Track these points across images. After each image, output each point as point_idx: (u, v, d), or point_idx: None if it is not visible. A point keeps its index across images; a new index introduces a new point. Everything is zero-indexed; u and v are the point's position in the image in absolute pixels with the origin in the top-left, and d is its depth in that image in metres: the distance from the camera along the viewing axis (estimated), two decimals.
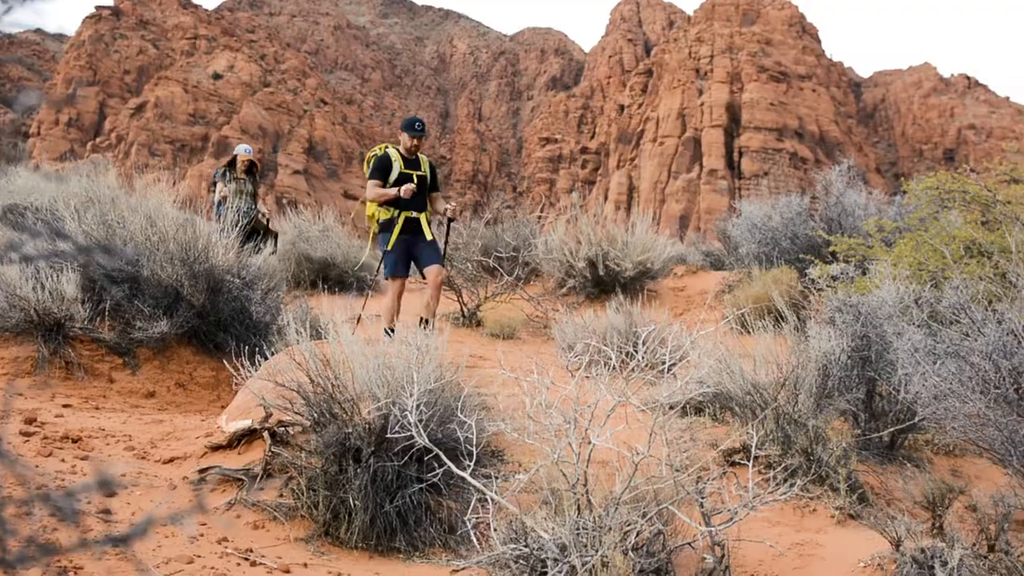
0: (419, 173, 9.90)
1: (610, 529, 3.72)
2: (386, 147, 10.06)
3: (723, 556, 4.15)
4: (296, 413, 5.66)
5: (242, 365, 5.99)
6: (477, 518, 4.34)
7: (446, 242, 10.61)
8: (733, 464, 6.34)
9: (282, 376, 5.66)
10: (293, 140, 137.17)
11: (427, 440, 4.56)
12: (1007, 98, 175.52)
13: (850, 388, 7.98)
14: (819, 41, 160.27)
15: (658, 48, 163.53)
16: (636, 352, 4.24)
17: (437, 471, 4.91)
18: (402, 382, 5.19)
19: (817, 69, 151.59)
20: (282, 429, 5.76)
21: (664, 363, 4.21)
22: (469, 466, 4.34)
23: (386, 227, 9.75)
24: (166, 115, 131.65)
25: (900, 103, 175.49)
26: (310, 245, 16.36)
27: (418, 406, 4.82)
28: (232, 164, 14.85)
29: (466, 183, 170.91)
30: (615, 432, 4.12)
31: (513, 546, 4.04)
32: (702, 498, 3.94)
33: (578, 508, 3.96)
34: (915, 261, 10.28)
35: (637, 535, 3.94)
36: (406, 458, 5.26)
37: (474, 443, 4.42)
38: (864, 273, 10.89)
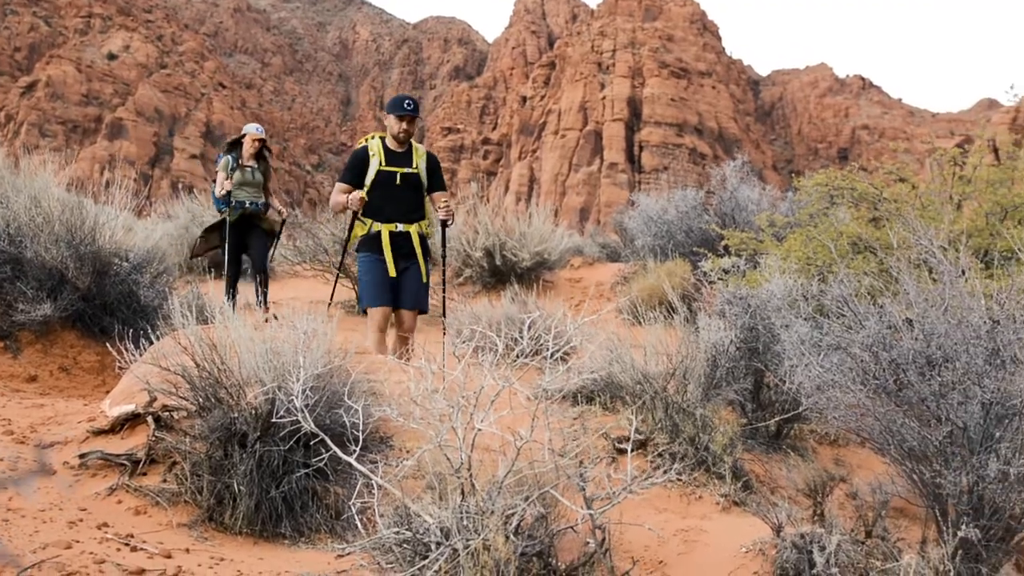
0: (407, 170, 8.01)
1: (492, 513, 3.74)
2: (370, 138, 8.26)
3: (604, 539, 4.19)
4: (181, 398, 5.56)
5: (126, 349, 5.88)
6: (362, 503, 4.32)
7: (443, 255, 9.87)
8: (621, 452, 6.40)
9: (167, 360, 5.56)
10: (190, 124, 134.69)
11: (313, 425, 4.53)
12: (900, 99, 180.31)
13: (738, 378, 8.12)
14: (719, 39, 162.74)
15: (561, 41, 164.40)
16: (522, 339, 4.26)
17: (323, 456, 4.87)
18: (289, 367, 5.14)
19: (717, 66, 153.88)
20: (167, 414, 5.65)
21: (549, 350, 4.23)
22: (355, 451, 4.31)
23: (365, 246, 8.04)
24: (58, 95, 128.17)
25: (797, 102, 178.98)
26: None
27: (304, 391, 4.78)
28: (236, 145, 12.27)
29: None
30: (500, 418, 4.14)
31: (397, 530, 4.03)
32: (583, 482, 3.98)
33: (462, 492, 3.97)
34: (804, 256, 10.50)
35: (520, 519, 3.96)
36: (292, 443, 5.22)
37: (361, 428, 4.39)
38: (755, 267, 11.08)
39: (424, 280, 8.18)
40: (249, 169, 12.03)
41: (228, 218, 11.77)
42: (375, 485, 4.23)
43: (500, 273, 15.56)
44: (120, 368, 6.41)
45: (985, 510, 6.09)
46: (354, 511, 4.31)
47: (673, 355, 7.74)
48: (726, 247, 12.91)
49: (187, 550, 4.64)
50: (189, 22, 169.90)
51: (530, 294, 12.77)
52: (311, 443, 5.13)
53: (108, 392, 7.28)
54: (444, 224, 8.15)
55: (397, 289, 8.03)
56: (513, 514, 3.75)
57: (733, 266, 10.74)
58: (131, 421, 5.84)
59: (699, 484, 6.90)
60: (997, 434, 6.10)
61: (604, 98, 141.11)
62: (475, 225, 15.86)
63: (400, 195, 8.02)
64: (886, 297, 7.08)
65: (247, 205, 11.87)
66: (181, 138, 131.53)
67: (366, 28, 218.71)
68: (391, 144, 8.09)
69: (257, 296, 11.89)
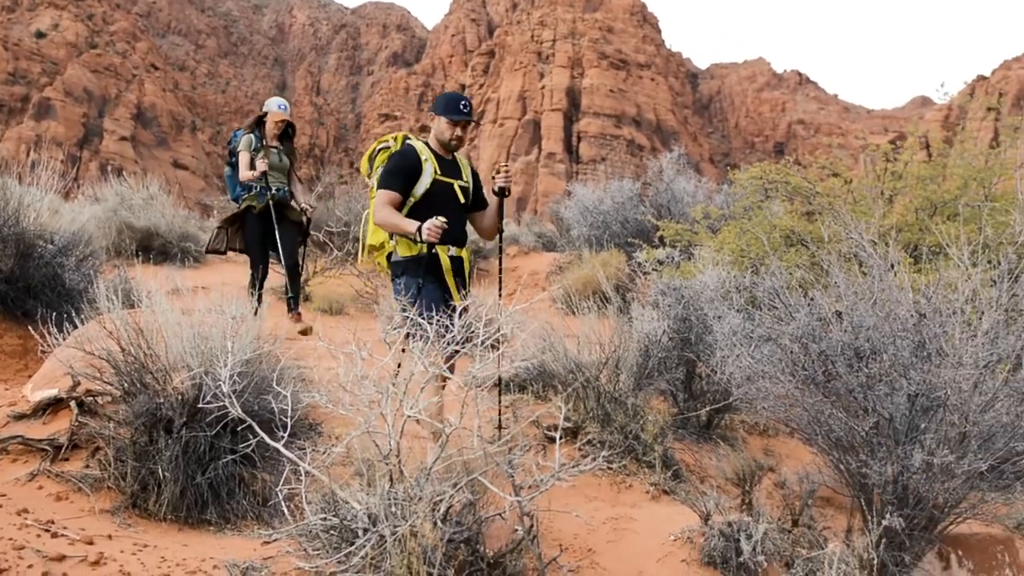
0: (461, 183, 6.63)
1: (420, 499, 3.72)
2: (405, 137, 6.73)
3: (532, 526, 4.19)
4: (105, 383, 5.47)
5: (50, 333, 5.76)
6: (290, 490, 4.28)
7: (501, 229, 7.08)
8: (552, 440, 6.40)
9: (92, 345, 5.46)
10: (121, 105, 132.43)
11: (240, 411, 4.47)
12: (836, 95, 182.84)
13: (670, 369, 8.18)
14: (659, 31, 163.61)
15: (501, 30, 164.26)
16: (453, 327, 4.24)
17: (251, 442, 4.82)
18: (217, 352, 5.07)
19: (656, 59, 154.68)
20: (90, 399, 5.56)
21: (480, 338, 4.22)
22: (283, 437, 4.26)
23: (408, 269, 6.46)
24: None
25: (735, 96, 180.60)
26: (133, 213, 15.74)
27: (232, 377, 4.71)
28: (259, 125, 10.65)
29: (302, 157, 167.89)
30: (429, 404, 4.12)
31: (324, 517, 4.00)
32: (512, 469, 3.98)
33: (390, 479, 3.95)
34: (737, 248, 10.59)
35: (448, 506, 3.94)
36: (219, 429, 5.15)
37: (289, 415, 4.34)
38: (689, 258, 11.16)
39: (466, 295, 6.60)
40: (275, 151, 10.53)
41: (254, 205, 10.25)
42: (303, 472, 4.18)
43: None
44: (43, 352, 6.28)
45: (909, 500, 6.19)
46: (281, 497, 4.26)
47: (606, 345, 7.76)
48: (661, 238, 12.99)
49: (110, 536, 4.56)
50: (121, 1, 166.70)
51: (471, 284, 12.73)
52: (238, 429, 5.07)
53: (30, 376, 7.14)
54: (502, 193, 6.77)
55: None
56: (441, 501, 3.73)
57: (667, 257, 10.81)
58: (53, 406, 5.74)
59: (629, 473, 6.93)
60: (922, 425, 6.20)
61: (543, 88, 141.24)
62: None
63: (456, 212, 6.52)
64: (817, 290, 7.16)
65: (274, 191, 10.34)
66: (111, 120, 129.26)
67: (303, 12, 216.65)
68: (437, 150, 6.62)
69: (287, 297, 10.63)
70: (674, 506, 6.44)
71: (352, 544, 3.83)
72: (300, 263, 10.95)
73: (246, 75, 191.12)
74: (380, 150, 6.77)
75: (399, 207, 6.40)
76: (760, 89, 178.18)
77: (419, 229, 6.06)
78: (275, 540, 4.49)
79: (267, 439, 4.39)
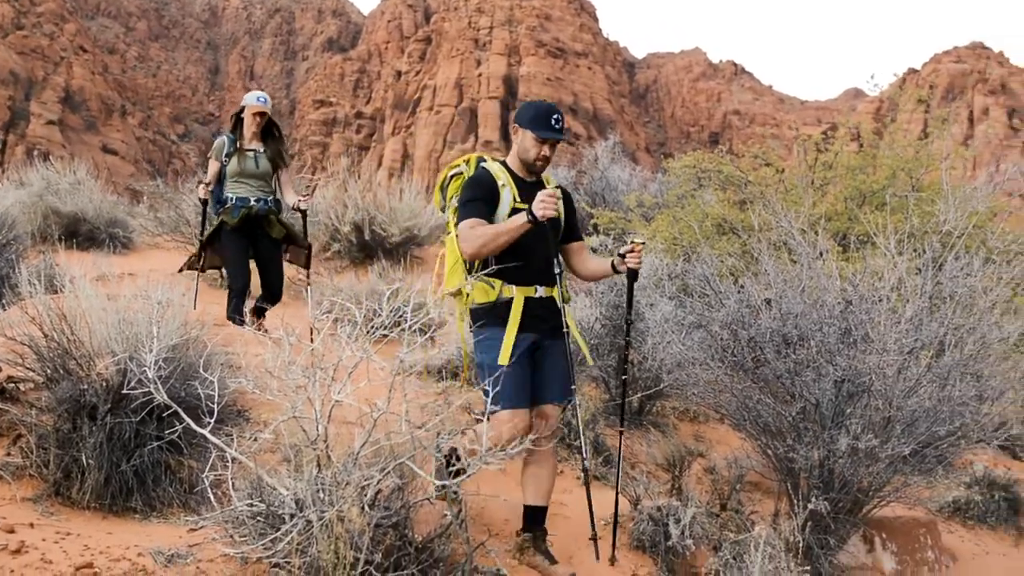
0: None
1: (348, 484, 3.70)
2: (479, 159, 5.68)
3: (460, 511, 4.20)
4: (27, 369, 5.37)
5: None
6: (216, 476, 4.24)
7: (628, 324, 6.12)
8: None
9: (13, 330, 5.37)
10: (48, 88, 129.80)
11: (166, 397, 4.41)
12: (770, 86, 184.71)
13: (602, 355, 8.22)
14: (596, 20, 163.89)
15: (438, 16, 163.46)
16: (382, 312, 4.23)
17: (177, 429, 4.76)
18: (142, 338, 5.01)
19: (593, 47, 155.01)
20: (12, 385, 5.46)
21: (408, 323, 4.21)
22: (210, 423, 4.22)
23: (489, 316, 5.33)
24: None
25: (671, 85, 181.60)
26: (59, 198, 15.44)
27: (158, 362, 4.65)
28: (236, 124, 9.21)
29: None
30: (358, 390, 4.11)
31: (250, 503, 3.97)
32: (440, 454, 3.98)
33: (318, 464, 3.93)
34: (670, 236, 10.67)
35: (377, 491, 3.93)
36: (145, 416, 5.09)
37: (216, 400, 4.30)
38: (623, 246, 11.20)
39: (571, 341, 5.54)
40: (251, 155, 8.96)
41: (226, 220, 8.85)
42: (229, 458, 4.15)
43: (368, 248, 15.43)
44: None
45: (835, 484, 6.29)
46: (207, 484, 4.22)
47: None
48: (595, 226, 13.05)
49: (31, 525, 4.49)
50: None
51: (398, 269, 12.73)
52: (164, 415, 5.00)
53: None
54: (632, 276, 5.68)
55: (533, 377, 5.38)
56: (368, 486, 3.72)
57: (601, 245, 10.86)
58: None
59: (561, 459, 6.97)
60: (848, 410, 6.31)
61: (480, 75, 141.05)
62: (344, 200, 15.70)
63: (540, 245, 5.35)
64: (747, 277, 7.24)
65: (252, 203, 8.87)
66: (38, 103, 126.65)
67: None
68: (517, 171, 5.53)
69: (257, 304, 9.13)
70: (604, 491, 6.48)
71: (278, 530, 3.80)
72: (281, 292, 9.34)
73: (178, 59, 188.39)
74: (452, 177, 5.67)
75: None
76: (696, 79, 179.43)
77: (530, 212, 5.06)
78: (201, 527, 4.45)
79: (193, 425, 4.35)
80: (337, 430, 4.24)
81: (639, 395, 8.22)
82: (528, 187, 5.45)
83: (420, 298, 4.41)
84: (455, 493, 4.27)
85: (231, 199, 8.86)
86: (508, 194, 5.38)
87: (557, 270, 5.43)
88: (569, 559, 5.50)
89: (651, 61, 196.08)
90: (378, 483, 3.77)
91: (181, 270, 9.55)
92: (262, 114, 9.04)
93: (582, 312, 8.13)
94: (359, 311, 4.26)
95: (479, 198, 5.33)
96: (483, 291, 5.33)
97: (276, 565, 3.90)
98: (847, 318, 6.52)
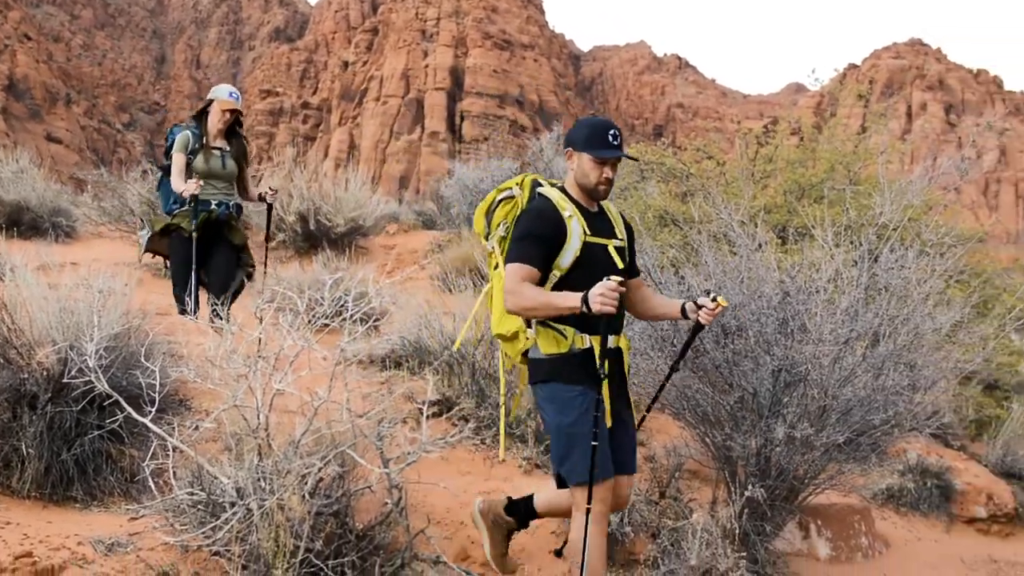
0: (616, 242, 4.78)
1: (289, 473, 3.74)
2: (534, 183, 4.79)
3: (400, 499, 4.25)
4: None
5: None
6: (157, 465, 4.25)
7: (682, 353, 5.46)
8: (428, 416, 6.45)
9: None
10: None
11: (107, 386, 4.41)
12: (713, 80, 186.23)
13: None
14: (543, 12, 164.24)
15: (385, 7, 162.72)
16: (324, 301, 4.26)
17: (118, 417, 4.76)
18: (83, 326, 4.99)
19: (540, 40, 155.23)
20: None
21: (350, 312, 4.24)
22: (151, 412, 4.23)
23: (558, 370, 4.54)
24: None
25: (616, 78, 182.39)
26: (2, 187, 15.20)
27: (99, 351, 4.65)
28: (201, 117, 8.30)
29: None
30: (299, 379, 4.14)
31: (191, 491, 3.99)
32: (380, 442, 4.02)
33: (259, 453, 3.95)
34: None
35: (319, 480, 3.97)
36: (86, 405, 5.07)
37: (157, 390, 4.31)
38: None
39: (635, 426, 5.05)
40: (218, 153, 8.18)
41: (183, 227, 8.11)
42: (171, 447, 4.16)
43: (313, 238, 15.41)
44: None
45: (771, 471, 6.40)
46: (148, 473, 4.23)
47: (482, 322, 7.84)
48: None
49: None
50: None
51: (343, 259, 12.73)
52: (105, 405, 4.99)
53: None
54: (699, 329, 4.99)
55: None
56: (309, 474, 3.76)
57: None
58: None
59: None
60: (784, 399, 6.42)
61: (427, 66, 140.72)
62: (290, 189, 15.65)
63: None
64: (688, 268, 7.34)
65: (213, 207, 8.11)
66: None
67: None
68: (578, 199, 4.73)
69: (214, 308, 7.36)
70: (545, 479, 6.54)
71: (219, 518, 3.83)
72: (231, 291, 8.37)
73: (124, 47, 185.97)
74: (501, 201, 4.84)
75: (539, 287, 4.53)
76: (641, 72, 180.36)
77: (585, 299, 4.18)
78: (142, 516, 4.46)
79: (134, 414, 4.35)
80: (279, 419, 4.27)
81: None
82: (594, 217, 4.71)
83: (362, 287, 4.44)
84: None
85: (191, 201, 7.94)
86: (577, 226, 4.55)
87: (623, 320, 4.81)
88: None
89: (596, 54, 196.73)
90: (319, 471, 3.81)
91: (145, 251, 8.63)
92: (233, 111, 8.20)
93: None
94: (301, 301, 4.29)
95: (539, 235, 4.51)
96: (552, 340, 4.55)
97: (216, 553, 3.93)
98: (785, 309, 6.64)
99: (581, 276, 4.47)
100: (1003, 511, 9.47)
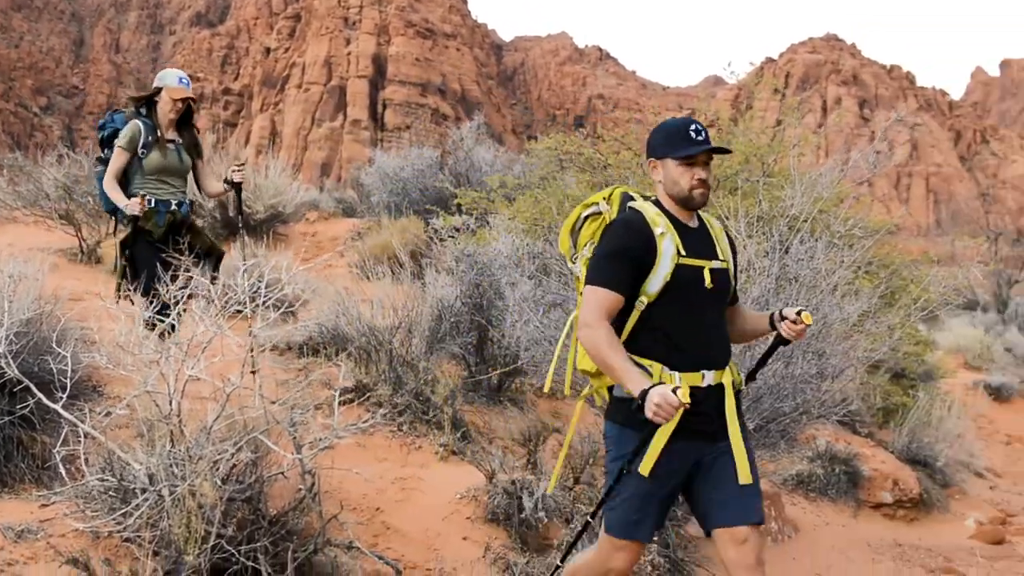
0: (716, 263, 4.13)
1: (201, 459, 3.74)
2: (624, 196, 4.22)
3: (313, 484, 4.27)
4: None
5: None
6: (69, 452, 4.22)
7: None
8: (342, 402, 6.46)
9: None
10: None
11: (17, 372, 4.37)
12: (634, 72, 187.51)
13: (463, 333, 8.33)
14: (465, 2, 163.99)
15: None
16: (238, 288, 4.26)
17: (28, 403, 4.71)
18: None
19: (462, 29, 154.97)
20: None
21: (262, 299, 4.25)
22: (62, 398, 4.20)
23: (631, 418, 3.84)
24: None
25: (538, 69, 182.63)
26: None
27: (9, 337, 4.60)
28: (149, 105, 7.27)
29: (100, 116, 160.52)
30: (211, 364, 4.14)
31: (102, 477, 3.97)
32: (293, 428, 4.04)
33: (171, 439, 3.95)
34: (531, 217, 10.82)
35: (233, 466, 3.98)
36: None
37: (69, 376, 4.28)
38: (485, 226, 11.34)
39: (739, 445, 4.07)
40: (172, 148, 7.25)
41: (149, 230, 7.11)
42: (82, 433, 4.14)
43: (232, 225, 15.27)
44: None
45: None
46: (59, 459, 4.21)
47: (400, 309, 7.86)
48: (459, 206, 13.15)
49: None
50: None
51: (261, 246, 12.64)
52: (16, 391, 4.94)
53: None
54: (781, 343, 4.23)
55: (699, 496, 4.08)
56: (221, 460, 3.77)
57: (464, 224, 10.96)
58: None
59: (420, 434, 7.07)
60: None
61: (349, 54, 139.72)
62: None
63: (710, 313, 4.15)
64: None
65: (174, 207, 7.23)
66: None
67: None
68: (675, 213, 4.12)
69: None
70: (462, 466, 6.61)
71: (130, 504, 3.82)
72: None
73: (41, 30, 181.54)
74: (587, 218, 4.28)
75: (623, 315, 4.04)
76: (562, 63, 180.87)
77: (643, 396, 3.63)
78: (53, 502, 4.42)
79: (45, 400, 4.32)
80: (191, 405, 4.26)
81: (498, 372, 8.35)
82: (691, 233, 4.11)
83: (275, 274, 4.44)
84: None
85: (149, 202, 7.07)
86: (669, 246, 3.97)
87: (727, 352, 4.20)
88: (425, 532, 5.61)
89: (518, 44, 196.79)
90: (231, 458, 3.82)
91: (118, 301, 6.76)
92: (185, 100, 7.31)
93: (442, 290, 8.21)
94: (215, 287, 4.28)
95: (627, 253, 3.96)
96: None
97: (128, 539, 3.92)
98: None
99: (670, 305, 4.00)
100: (908, 496, 9.75)
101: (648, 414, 3.59)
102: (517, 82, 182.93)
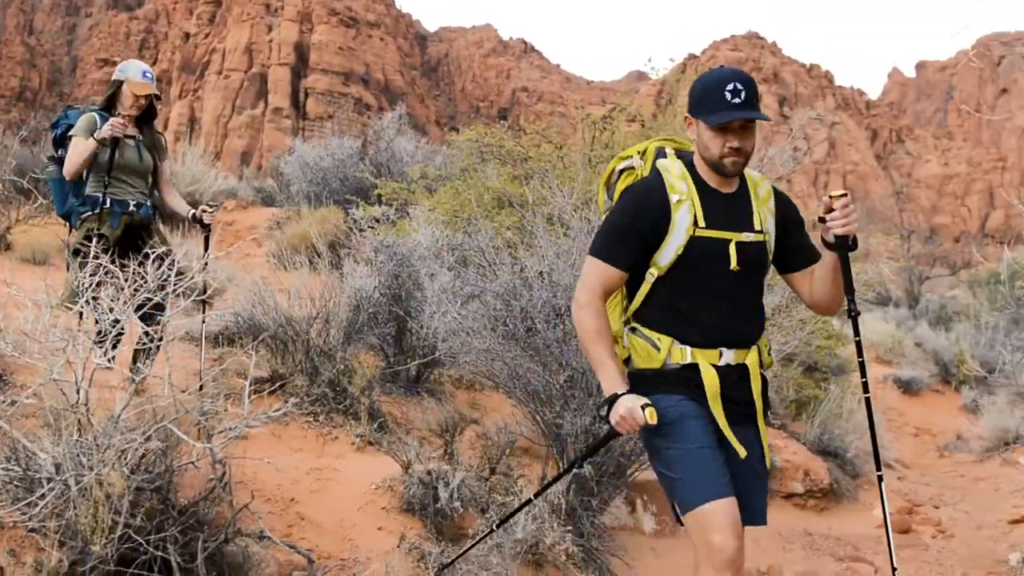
0: (748, 236, 3.76)
1: (108, 448, 3.69)
2: (658, 151, 3.96)
3: (224, 474, 4.24)
4: None
5: None
6: None
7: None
8: (257, 392, 6.42)
9: None
10: None
11: None
12: (558, 65, 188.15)
13: (381, 324, 8.32)
14: None
15: None
16: (147, 276, 4.21)
17: None
18: None
19: (386, 18, 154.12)
20: None
21: (172, 287, 4.20)
22: None
23: (649, 386, 3.73)
24: None
25: (462, 60, 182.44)
26: None
27: None
28: (110, 102, 6.76)
29: (12, 100, 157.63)
30: (120, 353, 4.08)
31: (6, 467, 3.90)
32: (204, 417, 4.00)
33: (79, 428, 3.89)
34: (451, 208, 10.83)
35: (142, 455, 3.93)
36: None
37: None
38: (405, 217, 11.33)
39: (765, 467, 3.87)
40: (132, 144, 6.69)
41: (104, 234, 6.45)
42: None
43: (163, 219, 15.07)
44: None
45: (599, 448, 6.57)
46: None
47: (317, 299, 7.82)
48: (379, 196, 13.12)
49: None
50: None
51: (176, 235, 12.49)
52: None
53: None
54: (842, 246, 3.69)
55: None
56: (129, 449, 3.72)
57: (383, 215, 10.93)
58: None
59: (336, 425, 7.04)
60: None
61: (271, 41, 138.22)
62: None
63: (734, 288, 3.76)
64: (523, 250, 7.47)
65: (131, 208, 6.66)
66: None
67: None
68: (707, 177, 3.78)
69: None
70: (378, 457, 6.60)
71: (35, 494, 3.76)
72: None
73: None
74: (622, 173, 4.03)
75: (634, 285, 3.82)
76: (487, 55, 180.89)
77: (612, 400, 3.57)
78: None
79: None
80: (100, 394, 4.20)
81: (416, 362, 8.35)
82: (720, 201, 3.75)
83: (185, 262, 4.39)
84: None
85: (102, 202, 6.52)
86: (685, 216, 3.65)
87: (755, 331, 3.85)
88: (340, 522, 5.59)
89: (443, 35, 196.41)
90: (140, 447, 3.77)
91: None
92: (150, 95, 6.76)
93: (360, 280, 8.18)
94: (124, 275, 4.22)
95: (631, 227, 3.69)
96: (644, 352, 3.77)
97: (33, 530, 3.86)
98: None
99: (685, 279, 3.71)
100: (819, 487, 9.93)
101: (612, 420, 3.51)
102: (441, 73, 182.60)
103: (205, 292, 4.45)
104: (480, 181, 11.19)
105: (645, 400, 3.49)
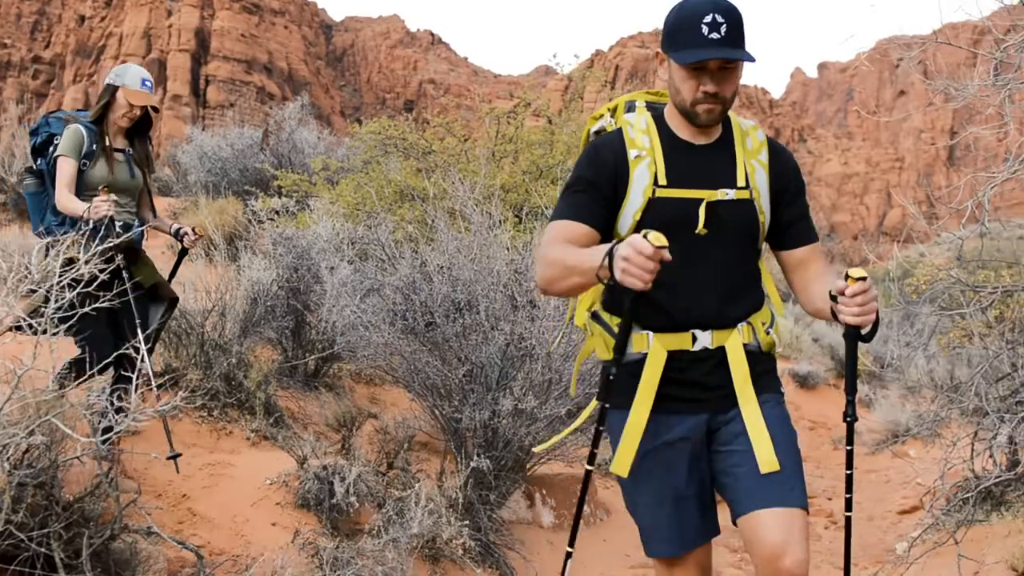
0: (726, 194, 3.13)
1: None
2: (627, 105, 3.38)
3: (110, 469, 4.15)
4: None
5: None
6: None
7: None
8: (149, 386, 6.28)
9: None
10: None
11: None
12: (466, 58, 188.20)
13: (279, 317, 8.22)
14: None
15: None
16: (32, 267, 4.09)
17: None
18: None
19: (291, 6, 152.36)
20: None
21: (56, 277, 4.08)
22: None
23: (622, 388, 3.08)
24: None
25: (368, 51, 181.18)
26: None
27: None
28: (103, 113, 5.79)
29: None
30: (3, 346, 3.96)
31: None
32: (89, 412, 3.90)
33: None
34: (353, 201, 10.77)
35: (25, 450, 3.82)
36: None
37: None
38: (305, 209, 11.23)
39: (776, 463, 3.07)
40: (122, 159, 5.84)
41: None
42: None
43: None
44: None
45: (498, 443, 6.60)
46: None
47: (213, 292, 7.69)
48: (279, 188, 12.97)
49: None
50: None
51: None
52: None
53: None
54: (856, 336, 3.02)
55: (720, 483, 3.21)
56: (10, 444, 3.61)
57: (283, 207, 10.82)
58: None
59: (231, 420, 6.95)
60: (512, 373, 6.62)
61: (171, 26, 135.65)
62: (12, 148, 14.82)
63: (711, 258, 3.17)
64: (425, 244, 7.45)
65: (119, 229, 5.51)
66: None
67: None
68: (677, 129, 3.22)
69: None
70: (273, 452, 6.53)
71: None
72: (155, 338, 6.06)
73: None
74: (596, 134, 3.44)
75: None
76: (393, 46, 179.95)
77: (610, 259, 2.77)
78: None
79: None
80: None
81: (314, 357, 8.27)
82: (694, 156, 3.19)
83: (72, 252, 4.26)
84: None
85: (88, 223, 5.42)
86: (644, 174, 3.12)
87: (741, 307, 3.23)
88: (232, 518, 5.52)
89: (349, 24, 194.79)
90: (23, 442, 3.66)
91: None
92: (148, 105, 5.90)
93: (258, 273, 8.06)
94: (7, 266, 4.09)
95: (587, 182, 3.16)
96: (602, 340, 3.23)
97: None
98: (515, 285, 6.84)
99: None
100: None
101: (617, 275, 2.72)
102: (347, 63, 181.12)
103: (92, 284, 4.13)
104: (382, 174, 11.14)
105: (644, 231, 2.73)
